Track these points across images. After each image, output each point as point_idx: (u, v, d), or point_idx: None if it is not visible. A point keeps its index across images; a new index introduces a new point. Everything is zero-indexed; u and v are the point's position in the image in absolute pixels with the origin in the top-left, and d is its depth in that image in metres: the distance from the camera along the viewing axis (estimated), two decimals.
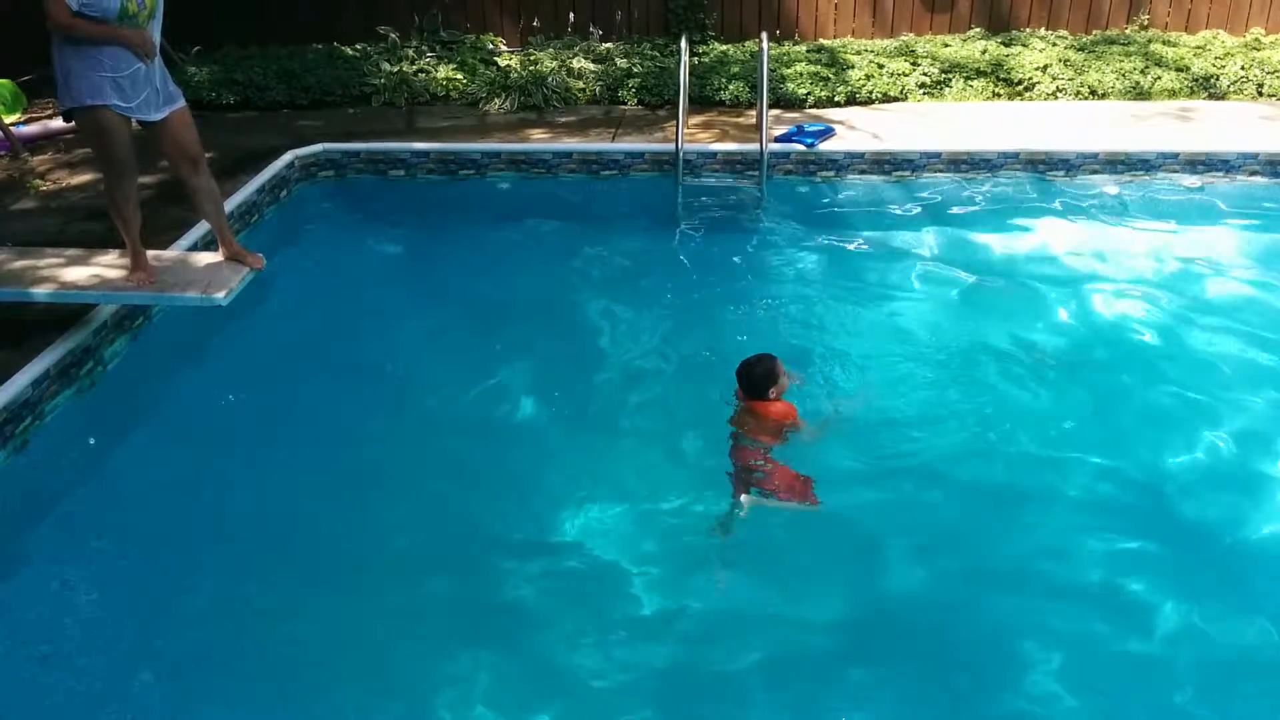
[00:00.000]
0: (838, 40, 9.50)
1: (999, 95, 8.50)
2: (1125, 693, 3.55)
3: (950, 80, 8.53)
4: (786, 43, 9.38)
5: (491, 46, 9.57)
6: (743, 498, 4.22)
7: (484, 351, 5.50)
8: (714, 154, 7.39)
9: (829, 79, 8.43)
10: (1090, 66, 8.49)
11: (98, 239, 5.57)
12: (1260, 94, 8.38)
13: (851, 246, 6.66)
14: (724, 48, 9.28)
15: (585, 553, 4.13)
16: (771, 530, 4.20)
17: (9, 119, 7.88)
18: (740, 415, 4.58)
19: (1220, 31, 9.20)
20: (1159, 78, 8.37)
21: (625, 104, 8.63)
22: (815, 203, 7.24)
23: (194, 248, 5.81)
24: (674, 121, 7.26)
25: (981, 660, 3.71)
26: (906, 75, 8.52)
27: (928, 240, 6.73)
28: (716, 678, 3.64)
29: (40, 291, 4.79)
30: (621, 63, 8.89)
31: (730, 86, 8.43)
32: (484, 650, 3.72)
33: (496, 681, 3.60)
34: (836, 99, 8.36)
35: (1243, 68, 8.41)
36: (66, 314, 5.00)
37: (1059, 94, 8.40)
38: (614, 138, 7.74)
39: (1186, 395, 5.01)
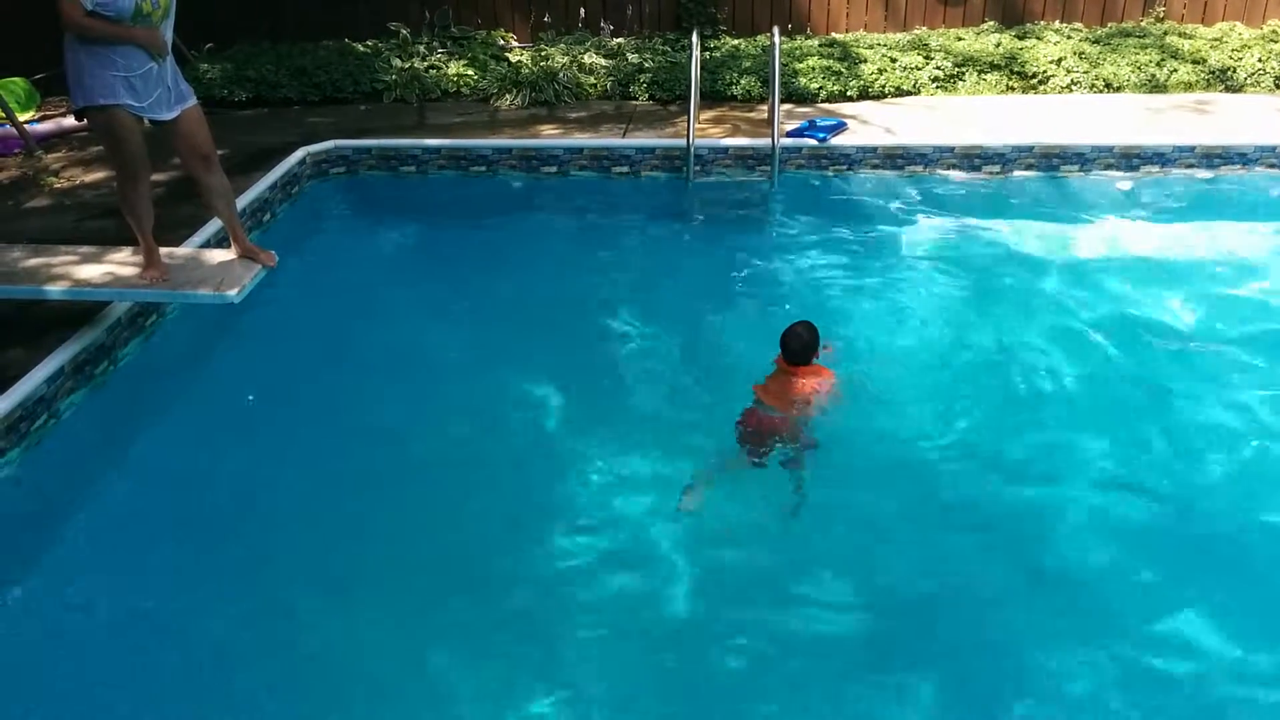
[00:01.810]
0: (850, 34, 9.46)
1: (1013, 89, 8.44)
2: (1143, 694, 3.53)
3: (963, 74, 8.48)
4: (798, 37, 9.35)
5: (502, 42, 9.57)
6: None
7: (496, 346, 5.50)
8: (725, 149, 7.37)
9: (841, 73, 8.39)
10: (1105, 59, 8.42)
11: (111, 236, 5.59)
12: (1277, 86, 8.30)
13: (863, 241, 6.63)
14: (735, 42, 9.26)
15: (593, 550, 4.12)
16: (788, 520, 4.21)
17: (23, 117, 7.93)
18: (775, 383, 4.53)
19: (1237, 23, 9.13)
20: (1175, 70, 8.30)
21: (636, 99, 8.61)
22: (827, 197, 7.22)
23: (206, 245, 5.82)
24: (685, 117, 7.24)
25: (987, 656, 3.69)
26: (919, 69, 8.47)
27: (940, 235, 6.70)
28: (727, 675, 3.63)
29: (54, 289, 4.82)
30: (633, 58, 8.88)
31: (742, 81, 8.40)
32: (494, 639, 3.72)
33: (506, 677, 3.60)
34: (849, 93, 8.33)
35: (1260, 60, 8.33)
36: (80, 311, 5.03)
37: (1073, 87, 8.34)
38: (625, 133, 7.72)
39: (1200, 390, 4.97)
